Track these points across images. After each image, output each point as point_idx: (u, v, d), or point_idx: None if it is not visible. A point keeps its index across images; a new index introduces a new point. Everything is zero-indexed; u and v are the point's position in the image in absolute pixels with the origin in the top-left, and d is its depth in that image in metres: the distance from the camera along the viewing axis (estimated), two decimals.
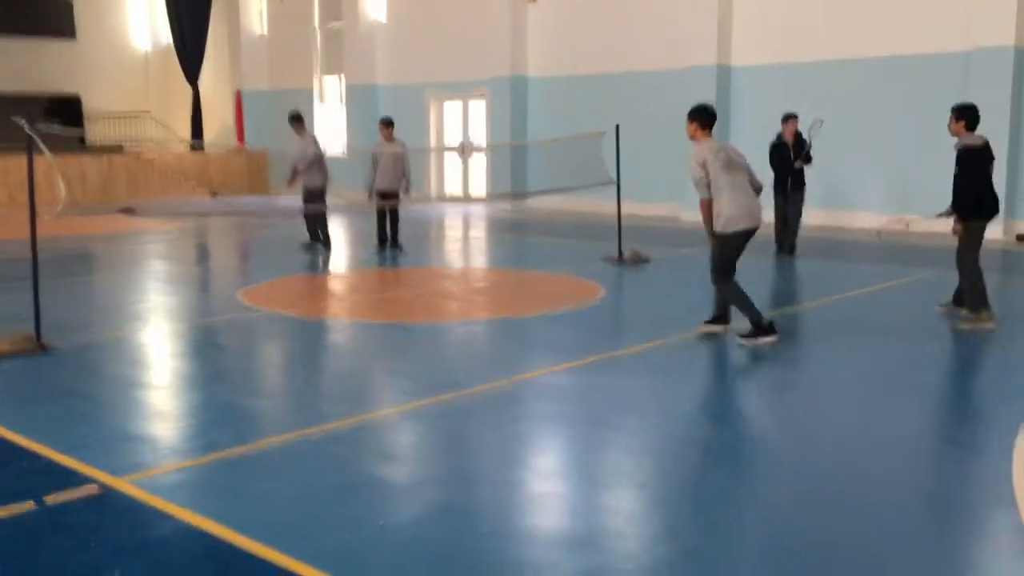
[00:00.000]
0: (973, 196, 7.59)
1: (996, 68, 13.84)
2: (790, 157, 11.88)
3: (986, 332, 7.41)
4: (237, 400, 5.76)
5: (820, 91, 15.64)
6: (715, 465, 4.69)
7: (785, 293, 10.26)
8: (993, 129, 13.78)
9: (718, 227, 6.88)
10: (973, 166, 7.56)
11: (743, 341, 6.92)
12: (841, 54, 15.62)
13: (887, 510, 4.06)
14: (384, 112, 22.73)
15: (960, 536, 3.92)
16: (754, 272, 10.76)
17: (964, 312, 7.73)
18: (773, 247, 12.13)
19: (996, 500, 4.18)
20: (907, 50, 14.90)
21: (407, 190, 12.81)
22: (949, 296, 8.19)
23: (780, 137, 11.95)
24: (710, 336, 7.24)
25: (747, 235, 6.94)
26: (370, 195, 12.55)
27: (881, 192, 15.17)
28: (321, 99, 24.91)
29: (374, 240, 12.89)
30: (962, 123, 7.63)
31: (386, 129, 12.65)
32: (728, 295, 7.05)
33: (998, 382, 6.54)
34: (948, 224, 7.89)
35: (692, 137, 7.03)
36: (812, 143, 12.13)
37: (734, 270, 7.02)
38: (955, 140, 7.72)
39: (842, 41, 15.59)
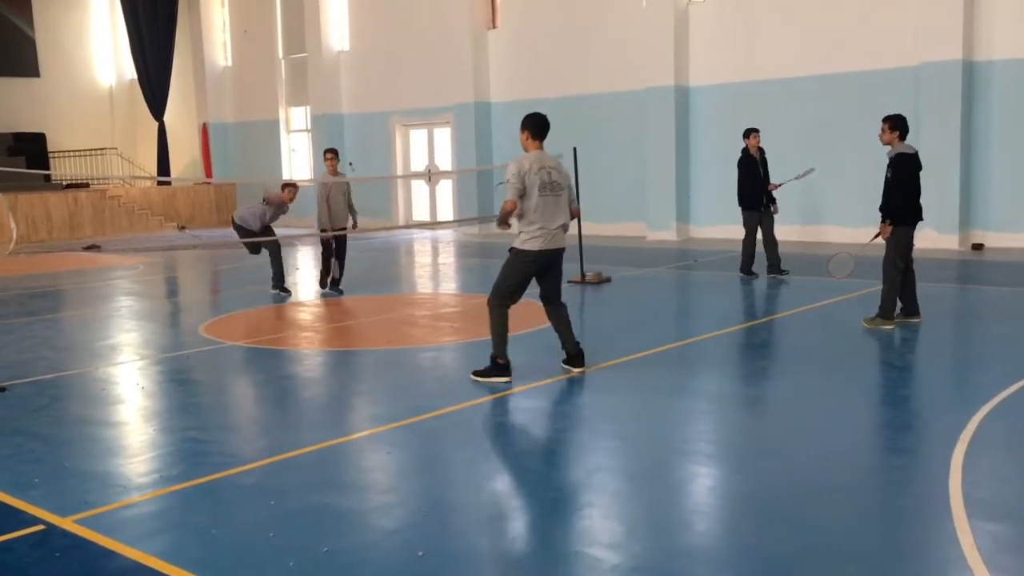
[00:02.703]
0: (905, 202, 8.00)
1: (945, 81, 14.13)
2: (758, 170, 11.90)
3: (885, 332, 8.03)
4: (190, 435, 5.76)
5: (776, 108, 15.90)
6: (672, 480, 4.75)
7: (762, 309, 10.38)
8: (944, 141, 14.14)
9: (517, 243, 6.67)
10: (908, 173, 8.00)
11: (475, 377, 6.76)
12: (795, 72, 15.90)
13: (835, 521, 4.13)
14: (351, 141, 22.93)
15: (899, 544, 3.99)
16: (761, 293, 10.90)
17: (873, 317, 8.27)
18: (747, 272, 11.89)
19: (935, 510, 4.26)
20: (859, 66, 15.19)
21: (354, 224, 12.08)
22: (896, 309, 8.32)
23: (746, 152, 12.00)
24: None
25: (541, 258, 6.65)
26: (323, 229, 11.67)
27: (841, 205, 15.39)
28: (287, 130, 24.97)
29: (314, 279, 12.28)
30: (896, 133, 8.09)
31: (332, 160, 11.83)
32: (492, 319, 6.73)
33: (941, 391, 6.65)
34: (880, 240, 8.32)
35: (523, 146, 6.73)
36: (791, 182, 12.17)
37: (513, 298, 6.76)
38: (887, 148, 8.21)
39: (796, 59, 15.87)
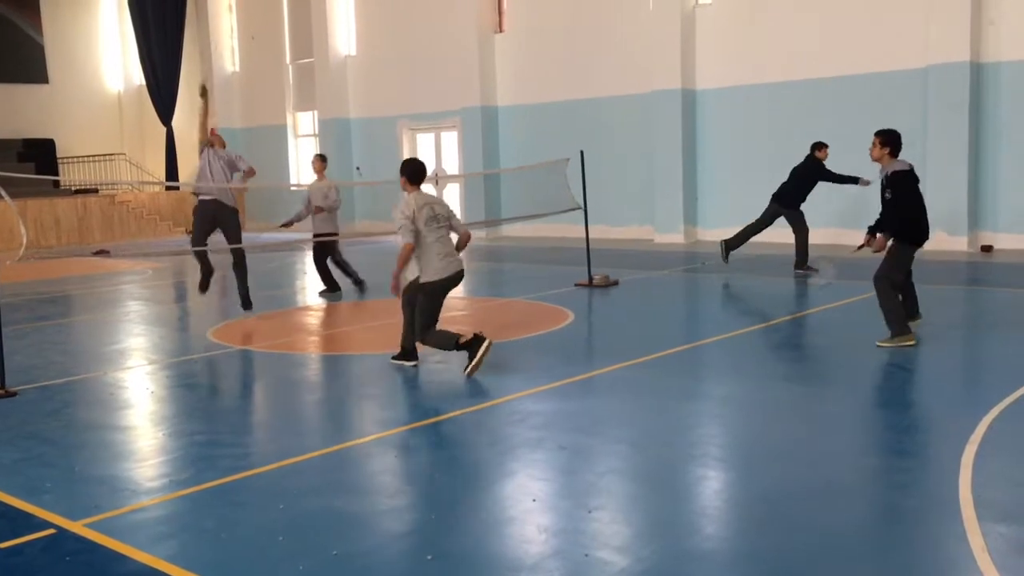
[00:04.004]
0: (912, 220, 7.49)
1: (953, 83, 14.10)
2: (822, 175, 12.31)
3: (907, 348, 7.40)
4: (199, 439, 5.78)
5: (783, 111, 15.89)
6: (680, 483, 4.75)
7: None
8: (953, 143, 14.12)
9: (424, 278, 7.20)
10: (908, 190, 7.47)
11: (393, 361, 7.53)
12: (802, 75, 15.89)
13: (844, 522, 4.13)
14: (358, 146, 22.99)
15: (908, 546, 3.98)
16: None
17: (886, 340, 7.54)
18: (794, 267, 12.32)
19: (944, 511, 4.25)
20: (867, 69, 15.17)
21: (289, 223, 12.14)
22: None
23: (818, 160, 12.34)
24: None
25: (449, 283, 7.27)
26: (289, 224, 11.95)
27: (849, 208, 15.35)
28: (295, 135, 25.03)
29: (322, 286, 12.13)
30: (887, 149, 7.50)
31: (320, 164, 12.07)
32: (432, 343, 7.26)
33: (949, 394, 6.63)
34: (869, 250, 7.83)
35: (403, 189, 7.41)
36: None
37: (436, 320, 7.35)
38: (879, 167, 7.67)
39: (803, 62, 15.85)
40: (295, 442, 5.64)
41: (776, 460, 5.05)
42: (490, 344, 7.02)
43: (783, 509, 4.31)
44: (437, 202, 7.36)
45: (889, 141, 7.51)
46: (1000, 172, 14.29)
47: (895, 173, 7.48)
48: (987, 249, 14.24)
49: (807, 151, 12.51)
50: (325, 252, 12.00)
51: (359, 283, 12.19)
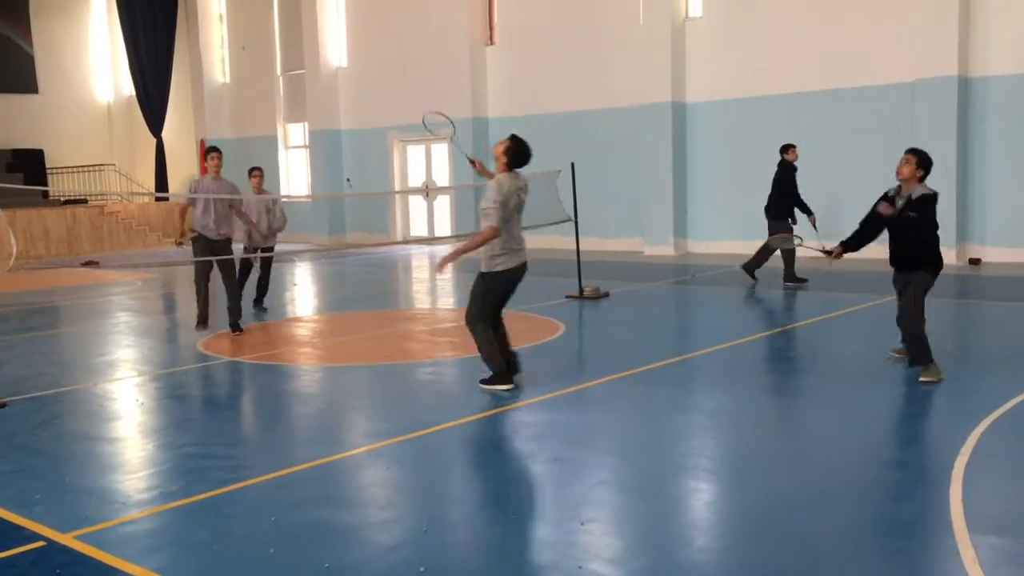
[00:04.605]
0: (934, 248, 7.14)
1: (941, 97, 14.22)
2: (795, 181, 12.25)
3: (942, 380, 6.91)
4: (189, 450, 5.75)
5: (773, 124, 15.97)
6: (672, 495, 4.75)
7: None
8: (940, 156, 14.14)
9: (491, 267, 6.75)
10: (932, 216, 7.03)
11: (484, 386, 6.90)
12: (792, 88, 15.99)
13: (836, 534, 4.14)
14: (349, 157, 23.00)
15: (900, 558, 3.99)
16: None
17: (920, 370, 6.98)
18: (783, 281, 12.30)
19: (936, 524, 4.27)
20: (856, 83, 15.28)
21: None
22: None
23: (787, 162, 12.32)
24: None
25: (516, 275, 6.86)
26: (247, 249, 11.61)
27: (837, 220, 15.42)
28: (285, 146, 25.02)
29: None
30: (921, 172, 6.96)
31: (257, 178, 11.94)
32: (477, 338, 6.85)
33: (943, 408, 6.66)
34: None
35: (497, 171, 6.90)
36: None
37: (494, 315, 6.92)
38: (901, 186, 7.05)
39: (793, 76, 15.96)
40: (286, 454, 5.62)
41: (767, 472, 5.07)
42: (513, 388, 6.84)
43: (774, 521, 4.32)
44: (526, 188, 6.95)
45: (925, 164, 6.95)
46: (988, 186, 14.39)
47: (923, 197, 6.92)
48: (975, 262, 14.33)
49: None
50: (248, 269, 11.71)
51: (260, 306, 11.83)
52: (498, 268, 6.76)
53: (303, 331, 10.58)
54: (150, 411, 6.92)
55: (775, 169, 12.41)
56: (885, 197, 7.13)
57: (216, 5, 25.90)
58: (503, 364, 6.88)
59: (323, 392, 7.53)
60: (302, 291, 13.92)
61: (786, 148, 12.47)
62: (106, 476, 5.31)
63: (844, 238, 7.42)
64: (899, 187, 7.07)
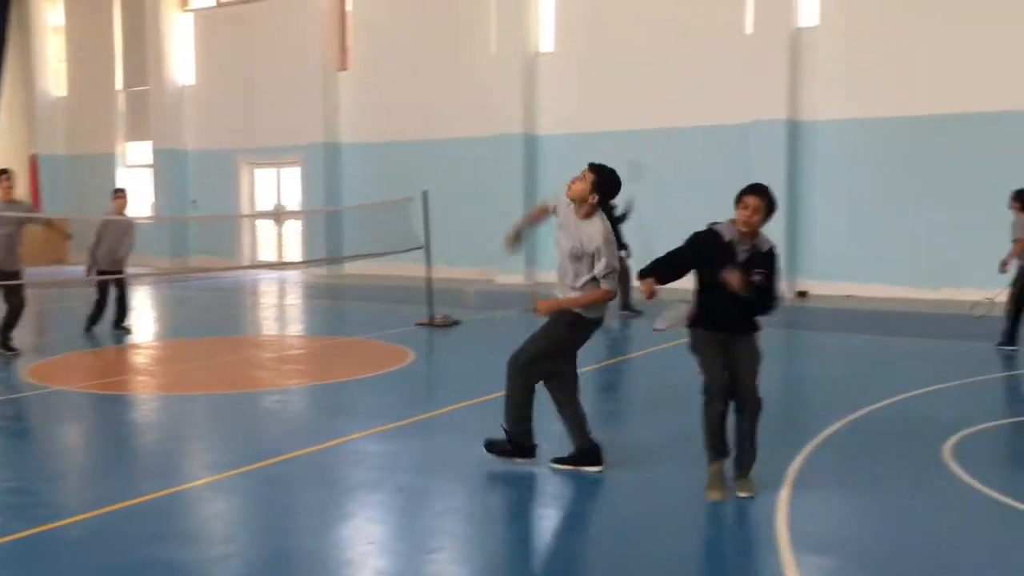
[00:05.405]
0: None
1: (772, 138, 15.15)
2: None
3: None
4: (6, 486, 5.38)
5: (618, 159, 16.47)
6: (519, 523, 4.79)
7: None
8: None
9: (592, 312, 5.59)
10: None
11: (559, 466, 5.61)
12: (636, 125, 16.58)
13: (664, 555, 4.28)
14: (194, 178, 22.24)
15: None
16: None
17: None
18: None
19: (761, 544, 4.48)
20: (694, 122, 16.04)
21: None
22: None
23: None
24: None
25: (597, 326, 5.69)
26: (89, 271, 11.36)
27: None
28: (125, 164, 23.95)
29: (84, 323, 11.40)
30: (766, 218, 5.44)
31: (121, 200, 11.84)
32: (513, 389, 5.63)
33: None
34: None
35: (588, 215, 5.65)
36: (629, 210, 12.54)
37: (556, 365, 5.68)
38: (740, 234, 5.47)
39: (637, 113, 16.57)
40: (118, 488, 5.33)
41: (598, 494, 5.18)
42: (528, 458, 5.66)
43: (603, 539, 4.41)
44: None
45: (772, 208, 5.48)
46: (816, 223, 15.34)
47: (772, 251, 5.62)
48: (803, 295, 15.21)
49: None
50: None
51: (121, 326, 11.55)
52: (593, 315, 5.57)
53: (141, 358, 10.11)
54: None
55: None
56: (719, 243, 5.42)
57: (52, 16, 24.63)
58: (529, 438, 5.63)
59: (160, 422, 7.21)
60: (141, 316, 13.31)
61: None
62: None
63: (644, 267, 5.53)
64: (739, 234, 5.41)
